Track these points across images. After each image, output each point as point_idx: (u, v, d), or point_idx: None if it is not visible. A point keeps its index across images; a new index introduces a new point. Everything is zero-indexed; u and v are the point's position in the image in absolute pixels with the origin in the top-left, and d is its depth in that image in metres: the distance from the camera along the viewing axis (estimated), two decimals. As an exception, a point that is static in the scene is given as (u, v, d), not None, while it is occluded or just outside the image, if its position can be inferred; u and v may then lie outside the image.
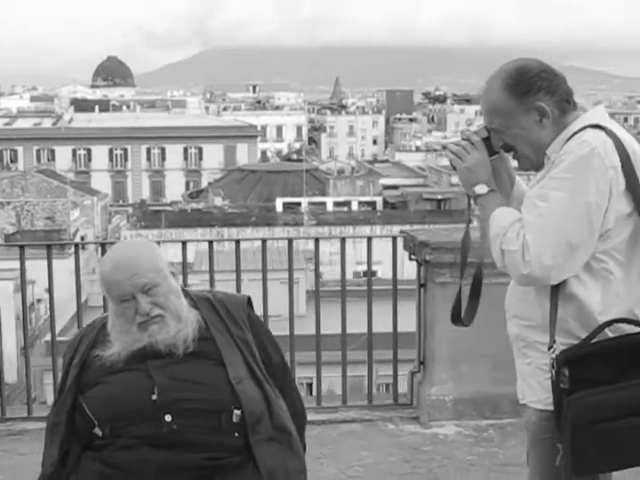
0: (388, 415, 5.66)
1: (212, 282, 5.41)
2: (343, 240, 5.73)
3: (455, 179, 53.28)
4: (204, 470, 2.81)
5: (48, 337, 21.23)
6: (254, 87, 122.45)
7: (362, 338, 6.90)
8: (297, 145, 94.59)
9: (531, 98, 2.75)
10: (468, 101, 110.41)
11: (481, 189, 2.84)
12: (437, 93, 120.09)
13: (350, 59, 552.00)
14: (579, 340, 2.68)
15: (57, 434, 2.96)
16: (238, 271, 5.54)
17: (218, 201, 48.82)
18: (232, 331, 3.05)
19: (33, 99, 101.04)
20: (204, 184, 64.17)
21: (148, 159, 71.16)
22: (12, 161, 68.34)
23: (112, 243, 5.12)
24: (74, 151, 69.82)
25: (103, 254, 5.13)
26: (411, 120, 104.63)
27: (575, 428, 2.61)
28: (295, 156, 78.84)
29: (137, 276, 2.92)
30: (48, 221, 43.11)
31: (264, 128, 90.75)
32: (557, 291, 2.70)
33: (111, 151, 70.33)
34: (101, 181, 66.36)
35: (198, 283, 9.09)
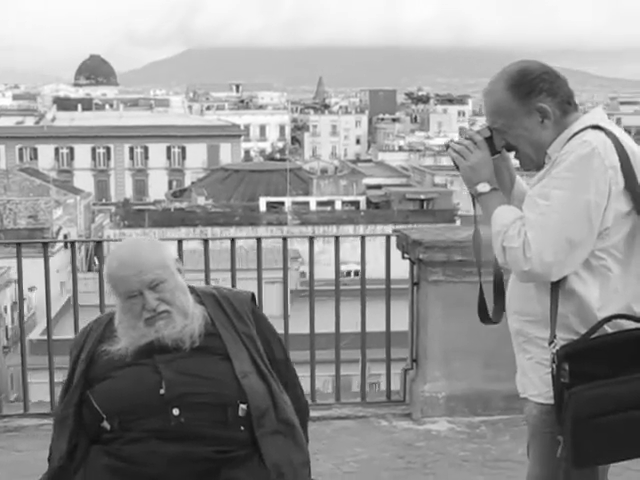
0: (381, 412, 5.72)
1: (207, 281, 5.44)
2: (337, 239, 5.80)
3: (438, 179, 53.45)
4: (211, 463, 2.87)
5: (31, 336, 21.26)
6: (237, 86, 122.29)
7: (350, 337, 6.96)
8: (280, 144, 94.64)
9: (533, 99, 2.81)
10: (451, 101, 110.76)
11: (483, 187, 2.91)
12: (420, 93, 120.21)
13: (333, 59, 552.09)
14: (579, 335, 2.75)
15: (65, 428, 3.01)
16: (233, 270, 5.57)
17: (201, 200, 48.75)
18: (237, 327, 3.11)
19: (15, 97, 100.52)
20: (187, 183, 64.05)
21: (131, 158, 70.98)
22: (-6, 159, 68.02)
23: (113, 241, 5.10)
24: (57, 150, 69.57)
25: (96, 253, 5.14)
26: (394, 120, 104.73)
27: (575, 421, 2.67)
28: (278, 155, 78.90)
29: (144, 272, 2.97)
30: (31, 220, 42.95)
31: (247, 127, 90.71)
32: (557, 287, 2.76)
33: (94, 150, 70.10)
34: (84, 180, 66.16)
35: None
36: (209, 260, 5.56)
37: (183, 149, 71.05)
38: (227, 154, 70.54)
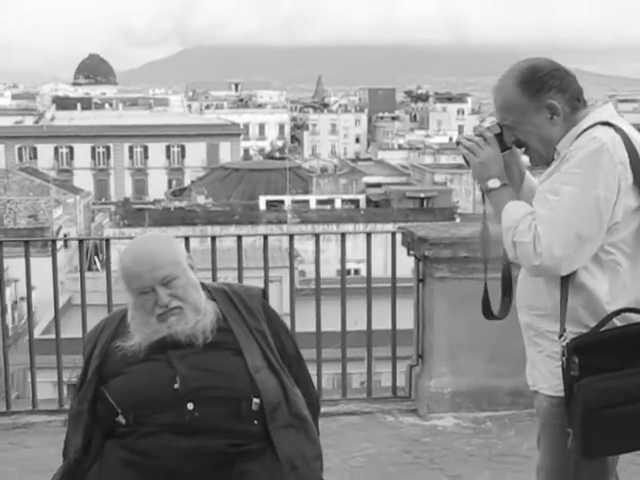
0: (387, 408, 5.76)
1: (214, 279, 5.47)
2: (343, 236, 5.82)
3: (437, 177, 53.47)
4: (225, 456, 2.90)
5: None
6: (236, 85, 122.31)
7: (353, 335, 6.98)
8: (280, 143, 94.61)
9: (543, 96, 2.85)
10: (450, 99, 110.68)
11: (494, 183, 2.94)
12: (419, 91, 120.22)
13: (332, 57, 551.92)
14: (588, 329, 2.79)
15: (80, 422, 3.04)
16: (240, 267, 5.60)
17: (201, 199, 48.75)
18: (248, 322, 3.14)
19: (15, 97, 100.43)
20: (187, 182, 64.02)
21: (131, 157, 70.99)
22: (-6, 159, 67.99)
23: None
24: (56, 149, 69.57)
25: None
26: (393, 118, 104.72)
27: (585, 413, 2.70)
28: (278, 154, 78.92)
29: (157, 269, 3.00)
30: (31, 219, 42.98)
31: (247, 126, 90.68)
32: (567, 281, 2.80)
33: (93, 149, 70.11)
34: (84, 179, 66.17)
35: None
36: (216, 258, 5.59)
37: (182, 148, 71.06)
38: (227, 153, 70.54)
